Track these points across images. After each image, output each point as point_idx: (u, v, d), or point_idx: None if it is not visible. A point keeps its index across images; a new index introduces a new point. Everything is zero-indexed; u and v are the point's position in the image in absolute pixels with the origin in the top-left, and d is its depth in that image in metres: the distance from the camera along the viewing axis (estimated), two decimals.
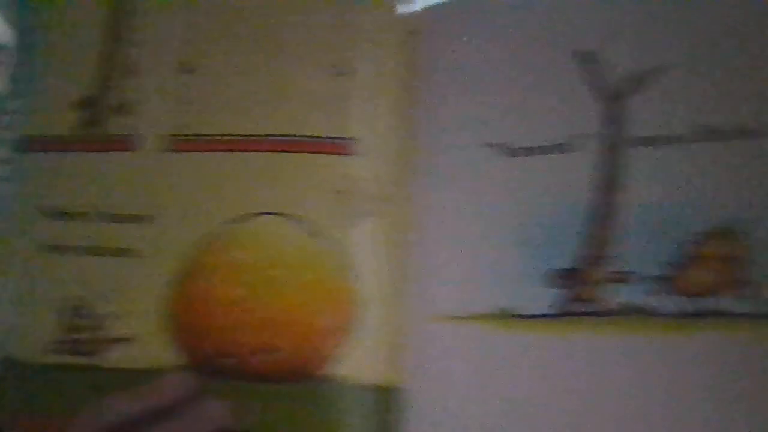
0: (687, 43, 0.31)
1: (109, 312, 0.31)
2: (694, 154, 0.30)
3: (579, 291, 0.30)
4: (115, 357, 0.31)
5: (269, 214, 0.31)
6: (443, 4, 0.35)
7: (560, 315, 0.30)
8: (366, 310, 0.31)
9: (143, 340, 0.31)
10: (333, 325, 0.30)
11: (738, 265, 0.29)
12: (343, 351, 0.30)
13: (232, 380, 0.30)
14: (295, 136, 0.32)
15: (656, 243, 0.30)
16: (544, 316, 0.31)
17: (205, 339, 0.31)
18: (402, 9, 0.34)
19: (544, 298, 0.31)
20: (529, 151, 0.32)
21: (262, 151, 0.32)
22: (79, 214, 0.32)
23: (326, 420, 0.30)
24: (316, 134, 0.32)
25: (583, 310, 0.30)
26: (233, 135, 0.32)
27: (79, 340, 0.31)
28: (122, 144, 0.32)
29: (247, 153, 0.32)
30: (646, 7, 0.32)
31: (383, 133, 0.33)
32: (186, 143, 0.32)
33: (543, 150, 0.32)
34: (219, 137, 0.32)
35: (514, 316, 0.31)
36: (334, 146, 0.32)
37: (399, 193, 0.33)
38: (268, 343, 0.30)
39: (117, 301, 0.31)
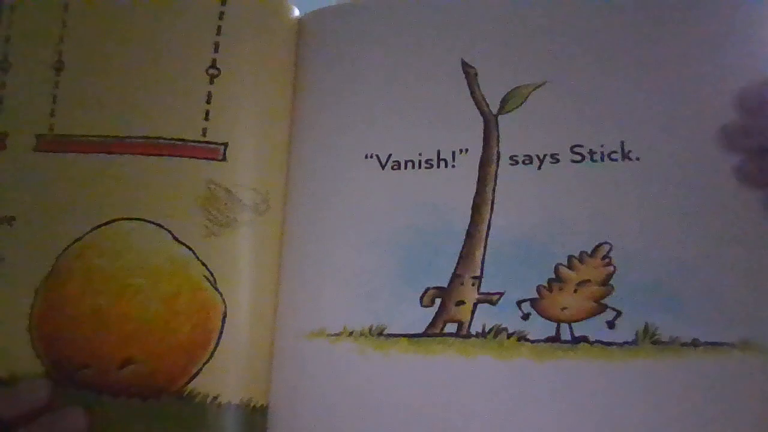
0: (564, 63, 0.31)
1: None
2: (563, 175, 0.30)
3: (449, 311, 0.30)
4: None
5: (132, 219, 0.30)
6: (329, 10, 0.34)
7: (430, 334, 0.30)
8: (231, 324, 0.30)
9: (3, 347, 0.30)
10: (194, 339, 0.30)
11: (603, 291, 0.29)
12: (205, 366, 0.29)
13: (90, 392, 0.29)
14: (162, 138, 0.30)
15: (526, 264, 0.29)
16: (414, 335, 0.30)
17: (64, 348, 0.29)
18: (285, 13, 0.33)
19: (416, 316, 0.30)
20: (411, 164, 0.32)
21: (128, 154, 0.30)
22: None
23: None
24: (184, 137, 0.30)
25: (453, 330, 0.30)
26: (100, 136, 0.31)
27: None
28: None
29: (113, 155, 0.30)
30: (527, 26, 0.31)
31: (257, 140, 0.32)
32: (53, 143, 0.31)
33: (425, 164, 0.31)
34: (86, 138, 0.31)
35: (386, 334, 0.30)
36: (203, 150, 0.30)
37: (272, 202, 0.32)
38: (126, 355, 0.29)
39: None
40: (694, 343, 0.27)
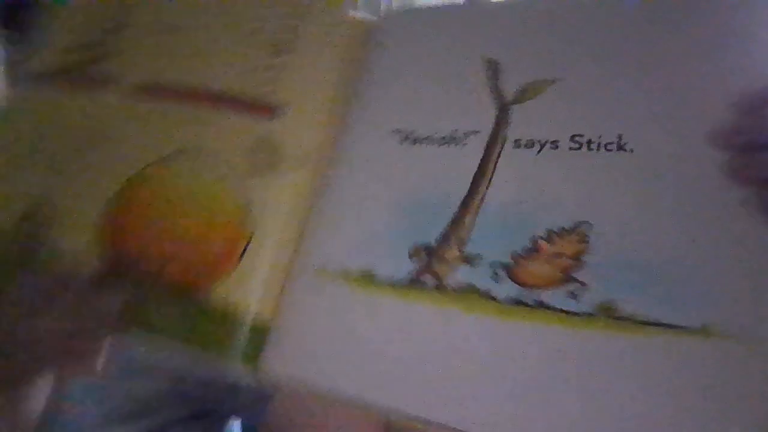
0: (575, 63, 0.33)
1: (57, 215, 0.38)
2: (559, 160, 0.32)
3: (432, 266, 0.33)
4: (51, 249, 0.38)
5: (192, 154, 0.37)
6: (393, 12, 0.40)
7: (411, 284, 0.33)
8: (256, 247, 0.35)
9: (77, 240, 0.37)
10: (222, 252, 0.35)
11: (573, 265, 0.30)
12: (228, 277, 0.35)
13: (132, 284, 0.36)
14: (229, 95, 0.38)
15: (508, 234, 0.32)
16: (398, 283, 0.33)
17: (120, 246, 0.37)
18: (354, 10, 0.40)
19: (403, 267, 0.33)
20: (427, 140, 0.36)
21: (200, 102, 0.38)
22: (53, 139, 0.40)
23: (197, 332, 0.35)
24: (247, 96, 0.37)
25: (431, 282, 0.32)
26: (180, 87, 0.39)
27: (33, 233, 0.38)
28: (95, 86, 0.40)
29: (185, 102, 0.38)
30: (545, 29, 0.35)
31: (305, 108, 0.38)
32: (146, 91, 0.40)
33: (440, 141, 0.35)
34: (168, 87, 0.39)
35: (375, 279, 0.34)
36: (260, 109, 0.37)
37: (310, 159, 0.38)
38: (167, 257, 0.36)
39: (64, 207, 0.38)
40: (652, 323, 0.27)
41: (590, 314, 0.29)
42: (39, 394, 0.35)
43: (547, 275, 0.30)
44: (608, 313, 0.28)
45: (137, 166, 0.37)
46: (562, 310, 0.29)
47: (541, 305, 0.30)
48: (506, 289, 0.31)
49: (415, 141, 0.36)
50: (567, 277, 0.30)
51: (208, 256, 0.35)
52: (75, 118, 0.40)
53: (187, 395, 0.50)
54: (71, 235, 0.37)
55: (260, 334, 0.35)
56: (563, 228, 0.31)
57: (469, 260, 0.32)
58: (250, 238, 0.36)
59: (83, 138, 0.39)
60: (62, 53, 0.42)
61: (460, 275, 0.32)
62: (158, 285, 0.35)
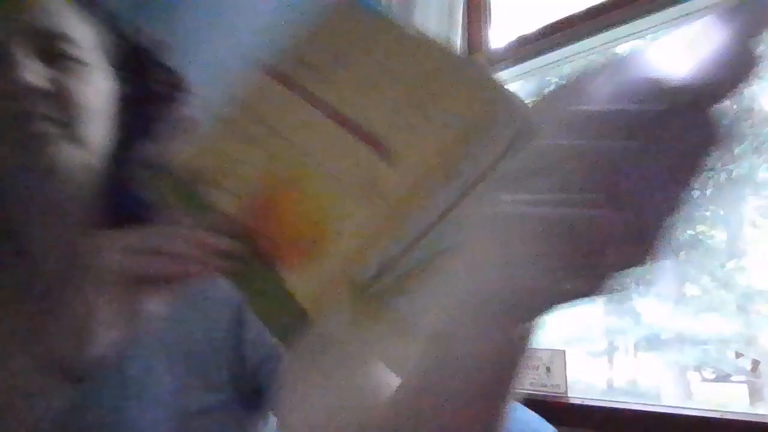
0: None
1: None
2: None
3: (381, 272, 0.35)
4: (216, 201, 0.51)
5: (320, 168, 0.47)
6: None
7: (365, 285, 0.36)
8: (327, 257, 0.42)
9: (227, 202, 0.50)
10: (303, 249, 0.44)
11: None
12: (300, 272, 0.43)
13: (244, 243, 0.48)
14: (359, 124, 0.46)
15: (423, 252, 0.33)
16: (362, 285, 0.37)
17: (250, 218, 0.48)
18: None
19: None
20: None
21: (341, 127, 0.47)
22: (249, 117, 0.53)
23: (260, 297, 0.45)
24: (372, 130, 0.46)
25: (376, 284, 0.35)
26: (337, 111, 0.48)
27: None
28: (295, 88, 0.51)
29: (336, 125, 0.47)
30: None
31: (417, 163, 0.43)
32: (321, 106, 0.49)
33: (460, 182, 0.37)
34: (332, 108, 0.48)
35: (356, 282, 0.38)
36: (377, 145, 0.45)
37: (401, 203, 0.42)
38: (270, 234, 0.46)
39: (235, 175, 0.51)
40: None
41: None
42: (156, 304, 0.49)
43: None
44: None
45: (285, 165, 0.48)
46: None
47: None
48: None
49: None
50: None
51: (293, 248, 0.44)
52: (267, 106, 0.51)
53: (245, 377, 0.58)
54: (225, 195, 0.50)
55: (300, 327, 0.41)
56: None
57: (388, 270, 0.33)
58: (326, 246, 0.43)
59: (264, 126, 0.50)
60: (293, 60, 0.53)
61: (383, 281, 0.34)
62: (254, 253, 0.46)
